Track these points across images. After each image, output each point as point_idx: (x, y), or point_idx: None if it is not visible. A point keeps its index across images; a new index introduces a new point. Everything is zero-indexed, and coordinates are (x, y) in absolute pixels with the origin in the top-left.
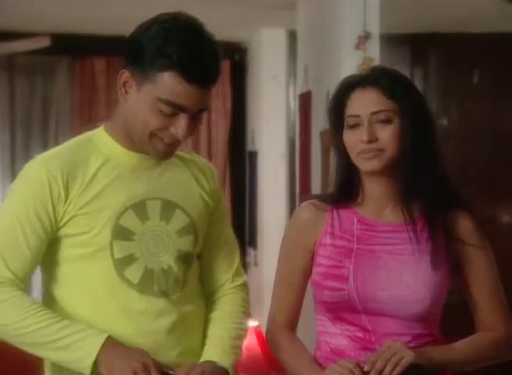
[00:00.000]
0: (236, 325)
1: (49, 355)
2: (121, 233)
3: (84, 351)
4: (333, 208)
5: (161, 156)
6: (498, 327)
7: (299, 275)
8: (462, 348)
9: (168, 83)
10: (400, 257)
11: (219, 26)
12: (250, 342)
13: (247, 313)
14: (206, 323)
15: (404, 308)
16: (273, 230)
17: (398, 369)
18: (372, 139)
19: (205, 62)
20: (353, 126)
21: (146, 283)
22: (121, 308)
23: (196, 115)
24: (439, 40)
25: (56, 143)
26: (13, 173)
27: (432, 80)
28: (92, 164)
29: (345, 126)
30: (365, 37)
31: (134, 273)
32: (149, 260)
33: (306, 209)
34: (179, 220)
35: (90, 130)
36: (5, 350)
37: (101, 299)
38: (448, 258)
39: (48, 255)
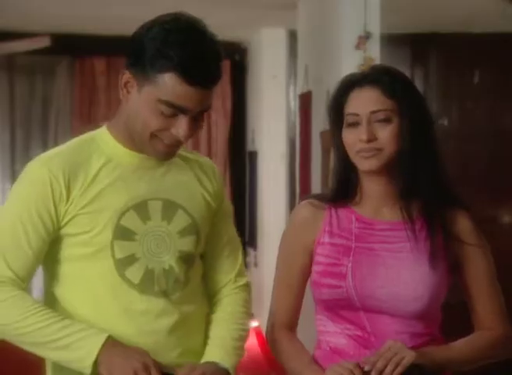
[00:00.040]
0: (238, 326)
1: (49, 354)
2: (122, 234)
3: (84, 351)
4: (331, 206)
5: (162, 157)
6: (495, 326)
7: (298, 275)
8: (460, 347)
9: (168, 85)
10: (398, 255)
11: (219, 26)
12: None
13: (249, 314)
14: (208, 323)
15: (403, 305)
16: (273, 230)
17: (399, 369)
18: (371, 138)
19: (206, 63)
20: (353, 125)
21: (147, 284)
22: (122, 308)
23: (197, 116)
24: (439, 40)
25: (56, 143)
26: (13, 173)
27: (432, 80)
28: (94, 164)
29: (344, 125)
30: (365, 37)
31: (135, 273)
32: (150, 260)
33: (304, 208)
34: (180, 220)
35: (89, 130)
36: (7, 349)
37: (101, 299)
38: (446, 256)
39: (49, 254)
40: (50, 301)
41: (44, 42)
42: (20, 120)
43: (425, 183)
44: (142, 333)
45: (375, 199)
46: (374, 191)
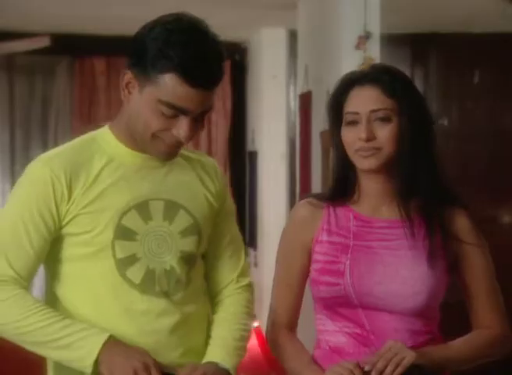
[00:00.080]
0: (239, 326)
1: (50, 353)
2: (123, 234)
3: (85, 350)
4: (330, 205)
5: (164, 157)
6: (494, 325)
7: (297, 275)
8: (459, 346)
9: (169, 86)
10: (397, 252)
11: (219, 26)
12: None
13: (251, 314)
14: (210, 323)
15: (401, 302)
16: (273, 230)
17: (399, 370)
18: (370, 137)
19: (207, 64)
20: (352, 123)
21: (147, 284)
22: (123, 308)
23: (198, 116)
24: (439, 40)
25: (56, 143)
26: (13, 174)
27: (432, 80)
28: (96, 164)
29: (343, 123)
30: (366, 37)
31: (136, 273)
32: (151, 260)
33: (302, 208)
34: (182, 221)
35: (90, 130)
36: (8, 348)
37: (103, 299)
38: (445, 255)
39: (51, 253)
40: (51, 300)
41: (44, 42)
42: (20, 120)
43: (424, 183)
44: (143, 333)
45: (373, 198)
46: (372, 189)
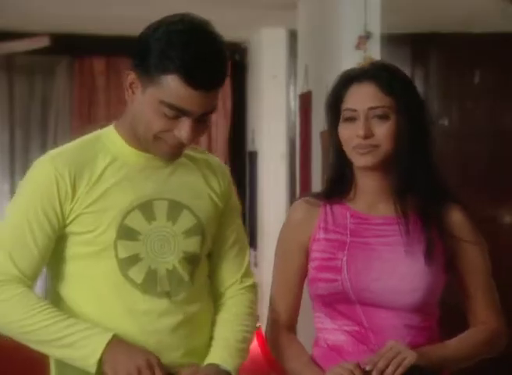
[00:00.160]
0: (242, 327)
1: (54, 352)
2: (126, 233)
3: (89, 349)
4: (326, 203)
5: (167, 157)
6: (489, 322)
7: (295, 274)
8: (456, 345)
9: (171, 87)
10: (395, 248)
11: (219, 26)
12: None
13: (254, 315)
14: (213, 324)
15: (399, 298)
16: (273, 230)
17: (400, 370)
18: (368, 134)
19: (209, 66)
20: (349, 120)
21: (149, 284)
22: (125, 307)
23: (201, 118)
24: (439, 40)
25: (55, 143)
26: (12, 174)
27: (432, 80)
28: (99, 163)
29: (341, 120)
30: (366, 37)
31: (138, 273)
32: (153, 261)
33: (298, 208)
34: (185, 221)
35: (89, 129)
36: (12, 347)
37: (105, 298)
38: (443, 252)
39: (54, 252)
40: (54, 299)
41: (44, 42)
42: (19, 120)
43: (421, 180)
44: (145, 332)
45: (370, 195)
46: (368, 186)
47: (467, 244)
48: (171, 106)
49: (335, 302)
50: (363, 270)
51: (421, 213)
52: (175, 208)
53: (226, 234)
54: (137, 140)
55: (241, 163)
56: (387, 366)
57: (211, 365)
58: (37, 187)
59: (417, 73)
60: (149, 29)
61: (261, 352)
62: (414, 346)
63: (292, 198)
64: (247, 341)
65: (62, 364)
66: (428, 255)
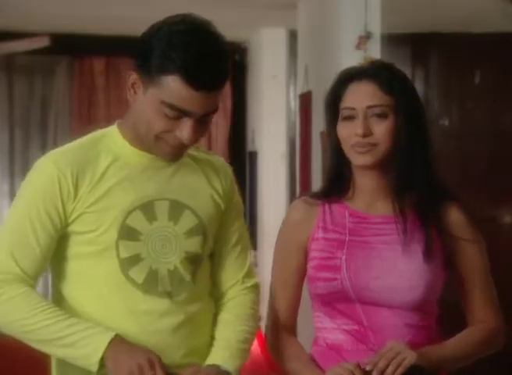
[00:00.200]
0: (243, 328)
1: (56, 351)
2: (127, 233)
3: (91, 348)
4: (325, 202)
5: (169, 158)
6: (487, 320)
7: (294, 274)
8: (455, 344)
9: (172, 87)
10: (394, 246)
11: (219, 26)
12: None
13: (256, 316)
14: (214, 324)
15: (398, 296)
16: (273, 231)
17: (400, 370)
18: (367, 133)
19: (210, 66)
20: (348, 119)
21: (150, 284)
22: (126, 307)
23: (202, 118)
24: (439, 40)
25: (55, 143)
26: (12, 174)
27: (432, 80)
28: (102, 162)
29: (339, 118)
30: (366, 37)
31: (138, 273)
32: (155, 261)
33: (297, 207)
34: (187, 221)
35: (89, 129)
36: (13, 346)
37: (107, 298)
38: (441, 249)
39: (56, 252)
40: (57, 299)
41: (44, 42)
42: (19, 120)
43: (419, 179)
44: (146, 332)
45: (368, 194)
46: (367, 185)
47: (466, 243)
48: (172, 107)
49: (334, 301)
50: (362, 269)
51: (420, 212)
52: (176, 209)
53: (228, 234)
54: (140, 140)
55: (241, 163)
56: (387, 366)
57: (211, 365)
58: (40, 186)
59: (418, 73)
60: (151, 29)
61: (261, 352)
62: (413, 345)
63: (292, 198)
64: (248, 342)
65: (63, 363)
66: (427, 253)
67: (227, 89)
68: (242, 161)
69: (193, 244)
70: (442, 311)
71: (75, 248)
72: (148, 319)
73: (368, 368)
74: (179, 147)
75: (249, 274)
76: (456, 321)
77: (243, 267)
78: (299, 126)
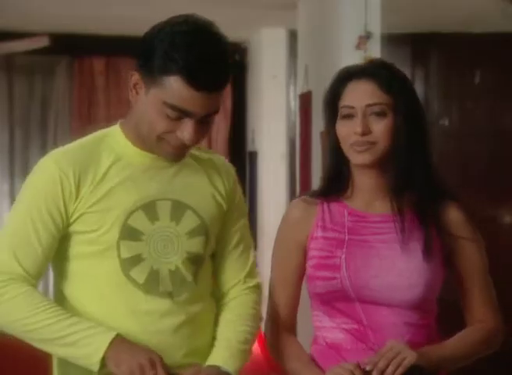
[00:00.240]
0: (245, 328)
1: (57, 351)
2: (129, 233)
3: (92, 348)
4: (323, 201)
5: (171, 158)
6: (486, 319)
7: (293, 274)
8: (455, 344)
9: (173, 88)
10: (393, 245)
11: (219, 26)
12: None
13: (257, 316)
14: (215, 324)
15: (398, 295)
16: (273, 231)
17: (400, 370)
18: (366, 131)
19: (212, 67)
20: (347, 117)
21: (151, 284)
22: (127, 307)
23: (204, 119)
24: (439, 40)
25: (55, 143)
26: (12, 174)
27: (432, 80)
28: (104, 162)
29: (338, 117)
30: (366, 37)
31: (140, 273)
32: (156, 261)
33: (296, 206)
34: (189, 221)
35: (88, 130)
36: (15, 346)
37: (108, 298)
38: (440, 248)
39: (58, 251)
40: (59, 298)
41: (43, 42)
42: (19, 120)
43: (418, 177)
44: (147, 332)
45: (367, 192)
46: (365, 184)
47: (465, 242)
48: (173, 107)
49: (333, 300)
50: (362, 268)
51: (419, 211)
52: (178, 209)
53: (230, 234)
54: (142, 140)
55: (241, 163)
56: (387, 366)
57: (212, 366)
58: (42, 186)
59: (418, 73)
60: (153, 30)
61: (261, 352)
62: (413, 344)
63: (292, 198)
64: (249, 343)
65: (64, 363)
66: (427, 252)
67: (227, 89)
68: (242, 161)
69: (195, 245)
70: (441, 309)
71: (76, 247)
72: (149, 320)
73: (368, 368)
74: (180, 147)
75: (251, 274)
76: (455, 320)
77: (244, 267)
78: (299, 126)
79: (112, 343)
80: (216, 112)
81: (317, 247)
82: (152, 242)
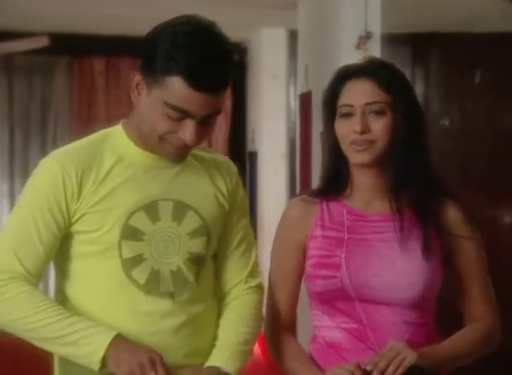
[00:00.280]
0: (245, 329)
1: (58, 350)
2: (130, 234)
3: (93, 347)
4: (322, 201)
5: (173, 159)
6: (485, 318)
7: (293, 273)
8: (455, 344)
9: (175, 88)
10: (392, 244)
11: (219, 26)
12: None
13: (258, 316)
14: (217, 324)
15: (398, 293)
16: (273, 231)
17: (400, 370)
18: (365, 130)
19: (213, 68)
20: (346, 116)
21: (152, 284)
22: (128, 307)
23: (205, 120)
24: (439, 40)
25: (55, 143)
26: (11, 174)
27: (433, 80)
28: (106, 162)
29: (337, 116)
30: (366, 37)
31: (140, 273)
32: (157, 261)
33: (295, 205)
34: (191, 222)
35: (88, 130)
36: (16, 345)
37: (109, 298)
38: (440, 247)
39: (60, 251)
40: (60, 298)
41: (43, 42)
42: (19, 120)
43: (417, 176)
44: (147, 333)
45: (366, 192)
46: (364, 183)
47: (464, 241)
48: (174, 108)
49: (333, 299)
50: (362, 267)
51: (418, 210)
52: (180, 209)
53: (232, 234)
54: (144, 140)
55: (241, 163)
56: (388, 366)
57: (211, 367)
58: (44, 185)
59: (418, 73)
60: (156, 30)
61: (261, 352)
62: (412, 343)
63: (292, 198)
64: (249, 343)
65: (65, 362)
66: (426, 250)
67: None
68: (242, 161)
69: (197, 245)
70: (439, 308)
71: (78, 247)
72: (150, 320)
73: (368, 368)
74: (182, 148)
75: (252, 274)
76: (453, 318)
77: (246, 267)
78: (299, 126)
79: (112, 342)
80: (218, 112)
81: (316, 246)
82: (153, 242)
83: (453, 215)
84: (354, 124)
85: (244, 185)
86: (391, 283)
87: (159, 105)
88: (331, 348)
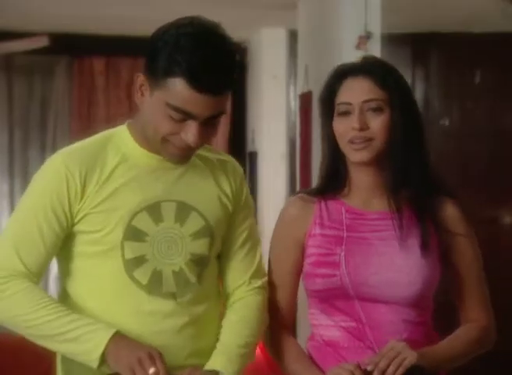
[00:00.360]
0: (247, 331)
1: (57, 347)
2: (133, 234)
3: (92, 344)
4: (321, 199)
5: (176, 160)
6: (480, 318)
7: (291, 272)
8: (452, 344)
9: (176, 90)
10: (391, 242)
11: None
12: None
13: (262, 318)
14: (220, 326)
15: (397, 291)
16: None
17: (400, 370)
18: (363, 127)
19: (216, 70)
20: (344, 114)
21: (154, 285)
22: (131, 308)
23: (208, 121)
24: (439, 40)
25: (54, 143)
26: (11, 174)
27: (433, 80)
28: (110, 162)
29: (335, 114)
30: (366, 37)
31: (143, 274)
32: (159, 262)
33: (293, 204)
34: (193, 223)
35: (88, 130)
36: (19, 341)
37: (111, 298)
38: (437, 244)
39: (63, 250)
40: (63, 296)
41: (43, 42)
42: (18, 121)
43: (415, 174)
44: (149, 333)
45: (364, 190)
46: (363, 181)
47: (461, 238)
48: (176, 109)
49: (332, 298)
50: (361, 265)
51: (416, 207)
52: (183, 210)
53: (236, 235)
54: (148, 141)
55: (241, 163)
56: (388, 366)
57: (210, 371)
58: (48, 185)
59: (418, 72)
60: (159, 31)
61: (261, 352)
62: (410, 341)
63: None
64: (250, 346)
65: (68, 359)
66: (424, 248)
67: None
68: (242, 161)
69: (200, 246)
70: (436, 306)
71: (80, 247)
72: (152, 320)
73: (369, 368)
74: (185, 149)
75: (256, 275)
76: (450, 317)
77: (250, 268)
78: (299, 126)
79: (111, 339)
80: (222, 113)
81: (315, 244)
82: (156, 243)
83: (450, 212)
84: (352, 122)
85: None
86: (390, 281)
87: (161, 107)
88: (329, 346)
